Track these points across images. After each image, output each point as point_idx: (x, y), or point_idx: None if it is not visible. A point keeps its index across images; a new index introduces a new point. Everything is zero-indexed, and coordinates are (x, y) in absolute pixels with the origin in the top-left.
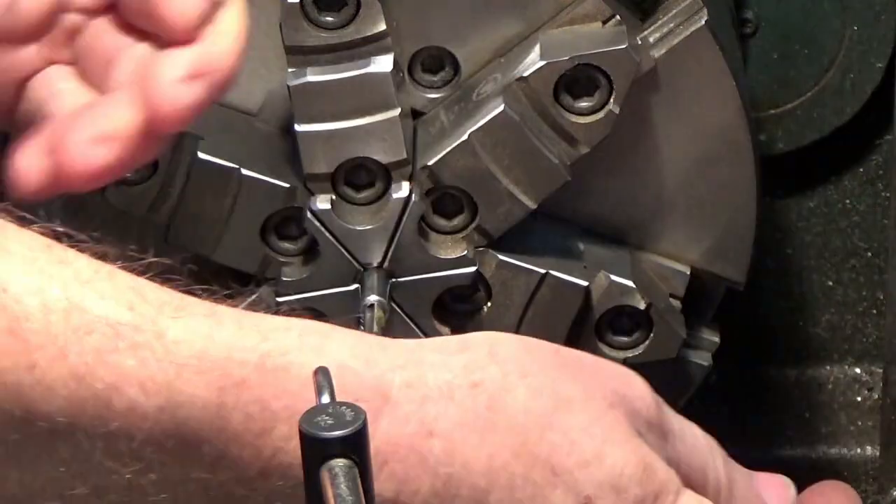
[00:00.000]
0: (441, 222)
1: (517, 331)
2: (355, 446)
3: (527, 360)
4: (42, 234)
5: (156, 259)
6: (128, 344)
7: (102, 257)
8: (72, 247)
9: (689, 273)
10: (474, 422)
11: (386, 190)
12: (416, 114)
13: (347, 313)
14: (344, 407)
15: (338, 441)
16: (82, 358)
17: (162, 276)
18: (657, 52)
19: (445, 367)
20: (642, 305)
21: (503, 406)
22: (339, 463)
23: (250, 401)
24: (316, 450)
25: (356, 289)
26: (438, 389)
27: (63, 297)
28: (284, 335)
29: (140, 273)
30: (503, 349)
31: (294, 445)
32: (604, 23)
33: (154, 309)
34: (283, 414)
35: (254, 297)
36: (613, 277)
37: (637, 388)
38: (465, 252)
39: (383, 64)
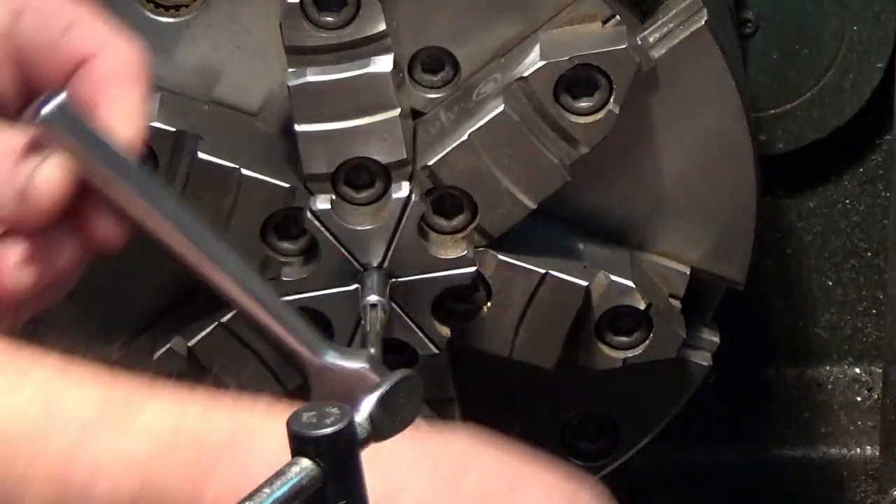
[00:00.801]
0: (441, 222)
1: (517, 331)
2: (325, 451)
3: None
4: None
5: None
6: (102, 434)
7: (71, 352)
8: (41, 344)
9: (689, 273)
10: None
11: (386, 190)
12: (416, 114)
13: (347, 313)
14: (336, 410)
15: (307, 440)
16: (60, 450)
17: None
18: (657, 52)
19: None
20: (642, 305)
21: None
22: (302, 464)
23: (219, 484)
24: (292, 444)
25: (356, 289)
26: (408, 457)
27: (38, 396)
28: (250, 416)
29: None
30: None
31: None
32: (604, 23)
33: (124, 397)
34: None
35: None
36: (613, 277)
37: None
38: (465, 252)
39: (383, 64)
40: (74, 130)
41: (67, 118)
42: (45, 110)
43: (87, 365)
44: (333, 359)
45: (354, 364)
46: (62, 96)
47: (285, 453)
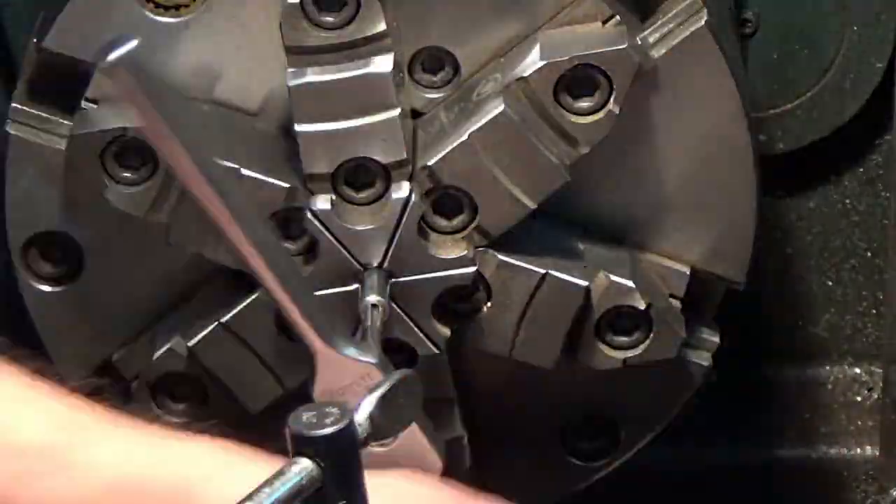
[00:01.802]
0: (441, 222)
1: (517, 331)
2: (325, 451)
3: None
4: None
5: (91, 379)
6: (53, 467)
7: (39, 372)
8: (10, 361)
9: (689, 273)
10: None
11: (386, 190)
12: (416, 114)
13: (347, 313)
14: (336, 410)
15: (307, 440)
16: (5, 481)
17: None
18: (657, 52)
19: None
20: (642, 305)
21: None
22: (302, 464)
23: None
24: (292, 444)
25: (356, 289)
26: None
27: None
28: (208, 460)
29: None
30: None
31: None
32: (604, 23)
33: (75, 434)
34: None
35: (254, 297)
36: (613, 277)
37: None
38: (465, 252)
39: (383, 64)
40: (139, 77)
41: (133, 64)
42: (114, 55)
43: (50, 393)
44: (344, 350)
45: (364, 358)
46: (132, 42)
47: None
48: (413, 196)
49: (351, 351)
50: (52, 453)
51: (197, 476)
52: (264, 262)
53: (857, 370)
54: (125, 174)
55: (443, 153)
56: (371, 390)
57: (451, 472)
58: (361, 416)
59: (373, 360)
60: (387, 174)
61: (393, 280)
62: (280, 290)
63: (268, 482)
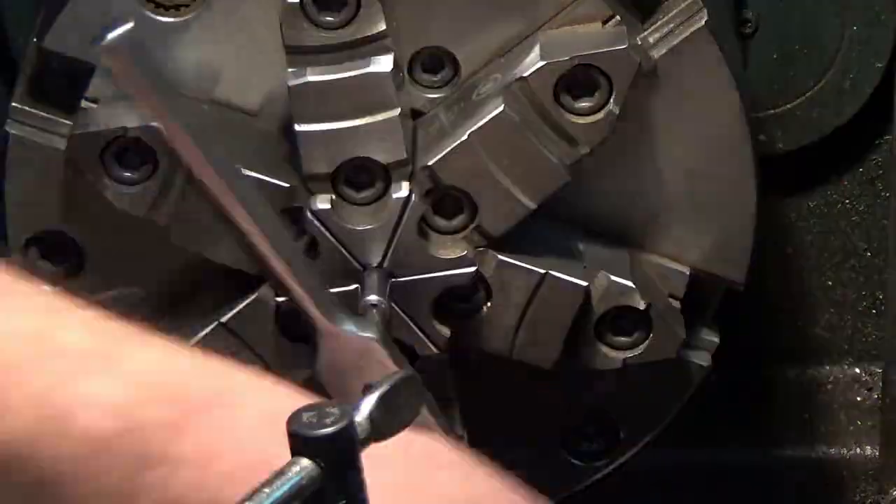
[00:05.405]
0: (441, 222)
1: (517, 331)
2: (325, 451)
3: None
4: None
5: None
6: (87, 374)
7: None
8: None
9: (688, 273)
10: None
11: (386, 190)
12: (416, 114)
13: (347, 313)
14: (336, 410)
15: (307, 440)
16: (43, 384)
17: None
18: (657, 53)
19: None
20: (642, 306)
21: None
22: (302, 464)
23: (197, 439)
24: (292, 444)
25: (356, 288)
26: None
27: (32, 326)
28: (238, 378)
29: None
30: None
31: (229, 494)
32: (604, 23)
33: (117, 341)
34: (229, 457)
35: (254, 297)
36: (613, 277)
37: None
38: (465, 252)
39: (383, 64)
40: (136, 60)
41: (131, 47)
42: (112, 35)
43: (87, 304)
44: (345, 325)
45: (364, 333)
46: (128, 24)
47: (267, 421)
48: (413, 196)
49: (350, 327)
50: (94, 356)
51: (239, 384)
52: (266, 240)
53: (857, 370)
54: (125, 174)
55: (443, 153)
56: (371, 390)
57: None
58: (361, 416)
59: (372, 336)
60: (387, 174)
61: (393, 280)
62: (282, 268)
63: (267, 482)
